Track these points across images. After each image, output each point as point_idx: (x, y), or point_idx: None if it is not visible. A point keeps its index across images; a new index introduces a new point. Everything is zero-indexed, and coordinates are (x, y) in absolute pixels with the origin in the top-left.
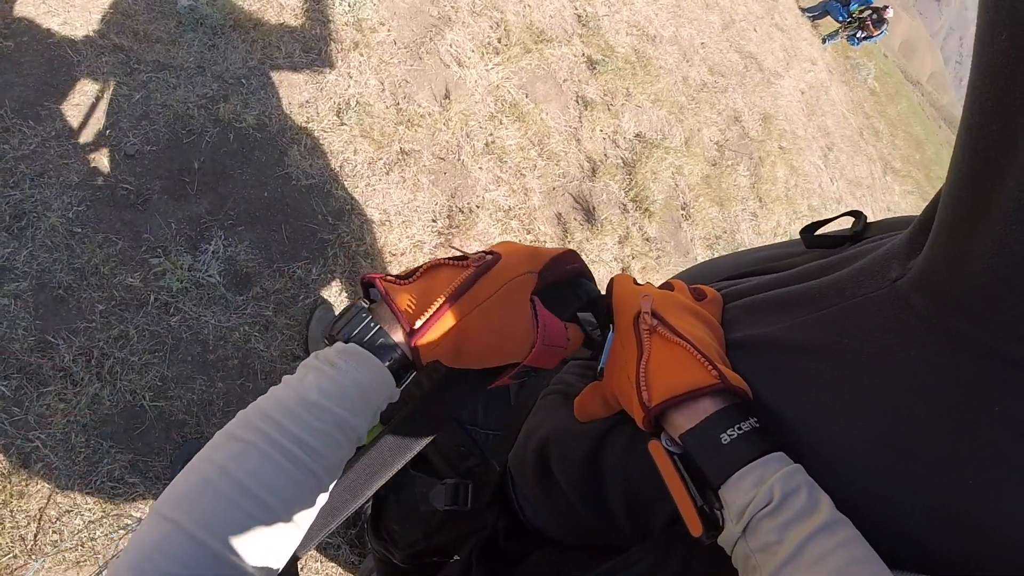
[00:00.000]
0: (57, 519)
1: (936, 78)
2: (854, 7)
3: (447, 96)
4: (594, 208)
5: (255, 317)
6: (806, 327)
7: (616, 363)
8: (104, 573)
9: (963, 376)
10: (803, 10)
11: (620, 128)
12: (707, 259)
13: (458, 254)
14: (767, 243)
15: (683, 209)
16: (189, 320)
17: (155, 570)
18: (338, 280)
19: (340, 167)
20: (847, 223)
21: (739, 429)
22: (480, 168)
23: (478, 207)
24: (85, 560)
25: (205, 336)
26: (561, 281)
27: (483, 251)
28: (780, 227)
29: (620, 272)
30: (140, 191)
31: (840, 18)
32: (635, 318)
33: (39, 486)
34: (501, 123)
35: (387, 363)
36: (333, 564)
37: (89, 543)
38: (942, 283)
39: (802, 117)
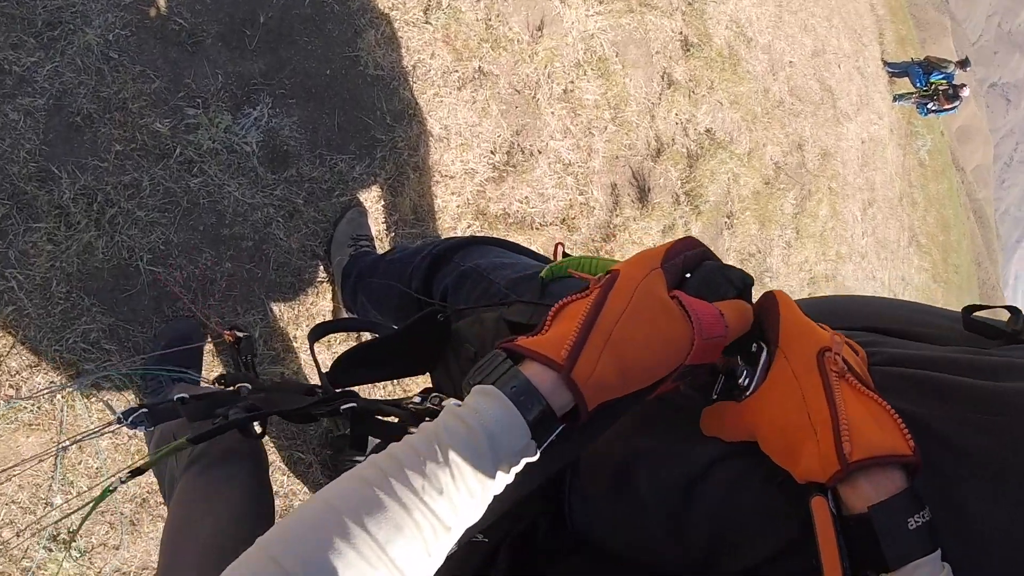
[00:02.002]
0: (17, 372)
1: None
2: (935, 77)
3: (540, 28)
4: (649, 189)
5: (283, 201)
6: (971, 426)
7: (781, 397)
8: (111, 491)
9: None
10: (885, 63)
11: (694, 118)
12: (836, 294)
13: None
14: (794, 274)
15: (728, 217)
16: (211, 186)
17: None
18: (380, 186)
19: (413, 67)
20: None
21: (923, 517)
22: (552, 113)
23: (539, 152)
24: (39, 424)
25: (224, 207)
26: (705, 270)
27: (601, 275)
28: (807, 263)
29: None
30: (194, 31)
31: (918, 84)
32: (820, 353)
33: (4, 332)
34: (585, 74)
35: (527, 414)
36: (299, 482)
37: (47, 406)
38: None
39: (856, 165)
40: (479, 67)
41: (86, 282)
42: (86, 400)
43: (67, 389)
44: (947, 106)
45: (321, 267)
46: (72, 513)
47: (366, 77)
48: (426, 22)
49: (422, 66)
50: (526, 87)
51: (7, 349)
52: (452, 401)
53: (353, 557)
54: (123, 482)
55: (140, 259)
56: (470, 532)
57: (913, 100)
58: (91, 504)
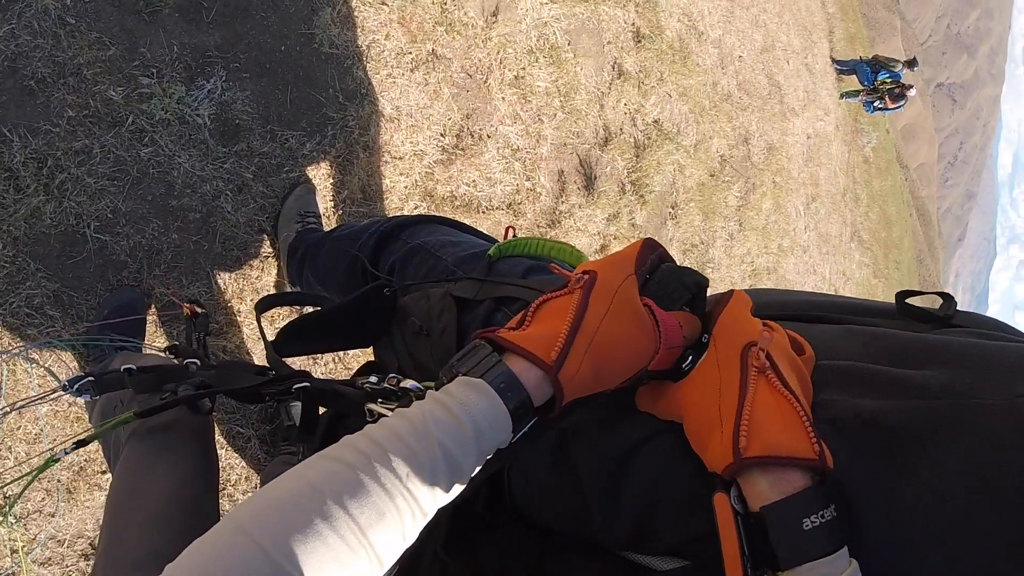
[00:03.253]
0: None
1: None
2: (883, 76)
3: (495, 14)
4: (596, 177)
5: (232, 174)
6: (909, 413)
7: (703, 385)
8: (56, 461)
9: None
10: (834, 61)
11: (643, 109)
12: (770, 288)
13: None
14: (736, 266)
15: (672, 208)
16: (161, 156)
17: None
18: (329, 164)
19: (368, 47)
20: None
21: (822, 517)
22: (503, 98)
23: (489, 136)
24: None
25: (173, 178)
26: (662, 276)
27: (576, 274)
28: (749, 255)
29: (601, 249)
30: (151, 0)
31: (865, 82)
32: (745, 348)
33: None
34: (537, 61)
35: (510, 406)
36: (237, 456)
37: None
38: None
39: (800, 160)
40: (433, 50)
41: (32, 247)
42: (27, 365)
43: (10, 354)
44: (893, 105)
45: (267, 242)
46: (11, 482)
47: (320, 55)
48: (383, 3)
49: (376, 46)
50: (478, 71)
51: None
52: (427, 388)
53: (333, 540)
54: (67, 453)
55: (88, 226)
56: None
57: (860, 98)
58: (34, 473)
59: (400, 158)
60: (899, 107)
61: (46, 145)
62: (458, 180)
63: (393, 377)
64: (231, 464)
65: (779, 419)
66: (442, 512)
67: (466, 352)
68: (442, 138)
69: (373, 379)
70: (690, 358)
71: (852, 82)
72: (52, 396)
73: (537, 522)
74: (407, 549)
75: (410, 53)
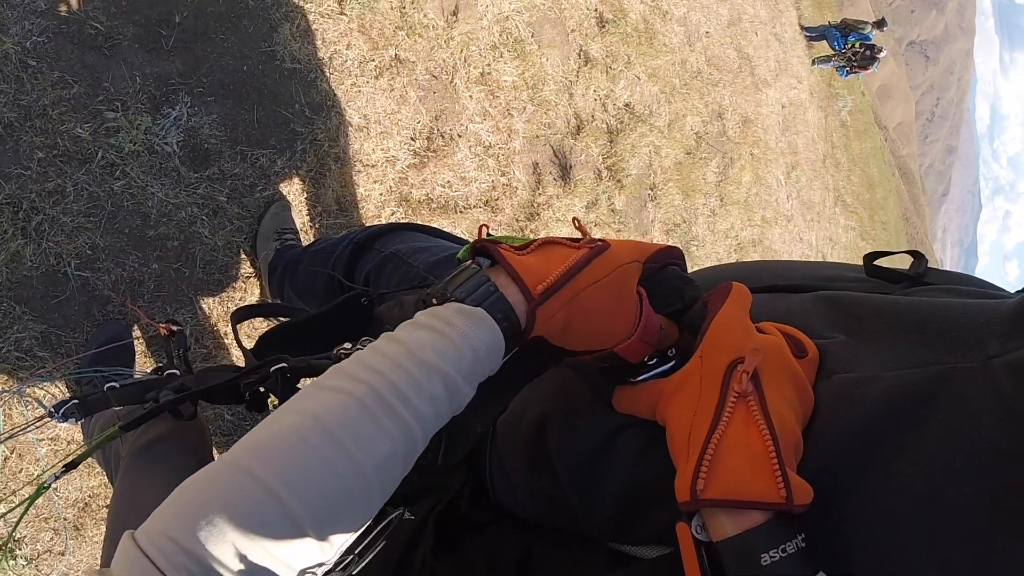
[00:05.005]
0: None
1: (903, 128)
2: (853, 39)
3: (455, 13)
4: (571, 167)
5: (206, 199)
6: (886, 384)
7: (682, 401)
8: (47, 488)
9: (1018, 458)
10: (803, 28)
11: (613, 94)
12: (745, 261)
13: (576, 236)
14: (720, 241)
15: (651, 189)
16: (134, 188)
17: (218, 531)
18: (302, 179)
19: (330, 59)
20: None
21: (783, 551)
22: (470, 96)
23: (459, 136)
24: None
25: (148, 209)
26: (665, 276)
27: (592, 238)
28: (733, 230)
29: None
30: (110, 34)
31: (836, 47)
32: (729, 367)
33: None
34: (501, 56)
35: (506, 336)
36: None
37: None
38: None
39: (777, 130)
40: (395, 55)
41: (16, 291)
42: (23, 409)
43: (3, 393)
44: (865, 69)
45: (248, 262)
46: (7, 512)
47: (283, 71)
48: (341, 13)
49: (338, 57)
50: (443, 72)
51: None
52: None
53: (342, 470)
54: (57, 477)
55: (68, 265)
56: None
57: (832, 63)
58: (26, 502)
59: (372, 166)
60: (872, 70)
61: (19, 189)
62: (432, 182)
63: (366, 339)
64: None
65: (747, 458)
66: (429, 516)
67: (462, 276)
68: (413, 142)
69: (347, 345)
70: (655, 361)
71: (823, 48)
72: (39, 424)
73: (524, 519)
74: (396, 555)
75: (373, 60)
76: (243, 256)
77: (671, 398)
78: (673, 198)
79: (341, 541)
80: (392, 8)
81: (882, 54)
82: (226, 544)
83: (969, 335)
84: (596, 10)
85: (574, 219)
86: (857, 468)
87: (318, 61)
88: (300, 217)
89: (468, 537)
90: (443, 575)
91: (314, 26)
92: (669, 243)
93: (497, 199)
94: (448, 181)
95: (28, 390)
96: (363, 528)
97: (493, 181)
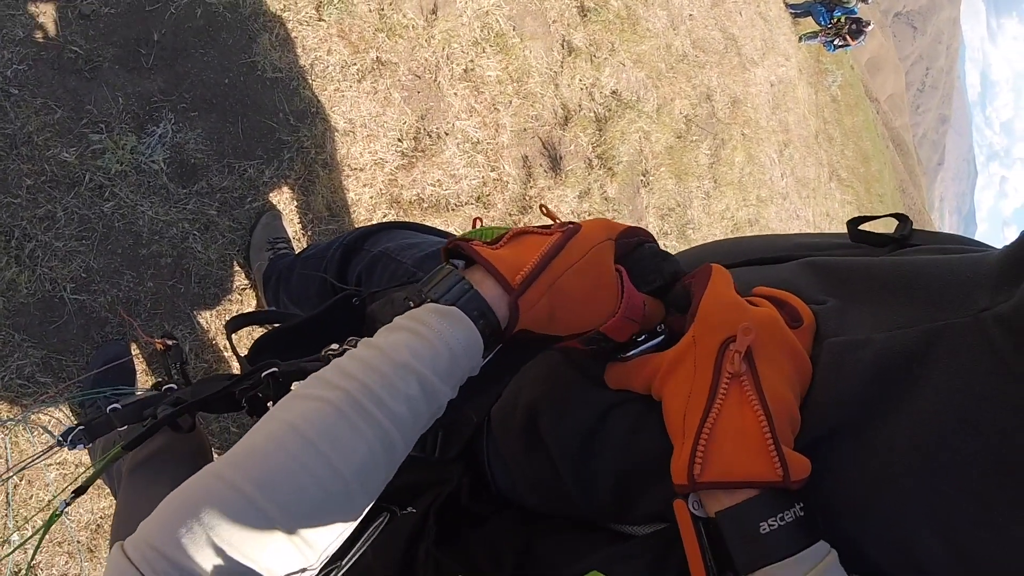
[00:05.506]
0: None
1: (894, 100)
2: (838, 13)
3: (434, 12)
4: (561, 157)
5: (196, 214)
6: (878, 346)
7: (677, 382)
8: (59, 516)
9: (1016, 415)
10: (788, 5)
11: (599, 82)
12: (730, 237)
13: (546, 222)
14: (716, 223)
15: (644, 175)
16: (124, 208)
17: (198, 531)
18: (291, 187)
19: (311, 65)
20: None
21: (781, 520)
22: (455, 94)
23: (447, 134)
24: None
25: (139, 228)
26: (642, 254)
27: (563, 222)
28: (728, 211)
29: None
30: (90, 57)
31: (822, 22)
32: (721, 347)
33: None
34: (484, 51)
35: (483, 333)
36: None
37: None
38: None
39: (767, 109)
40: (377, 57)
41: (14, 318)
42: (29, 435)
43: (7, 423)
44: (853, 41)
45: (243, 274)
46: (24, 542)
47: (265, 81)
48: (320, 19)
49: (320, 63)
50: (426, 71)
51: None
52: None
53: (321, 479)
54: (68, 503)
55: (64, 289)
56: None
57: (819, 38)
58: (41, 531)
59: (361, 169)
60: (859, 42)
61: (10, 217)
62: (422, 182)
63: (353, 339)
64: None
65: (742, 438)
66: (430, 510)
67: (436, 277)
68: (400, 143)
69: (334, 347)
70: (643, 338)
71: (809, 24)
72: (49, 453)
73: (525, 507)
74: (399, 552)
75: (355, 64)
76: (237, 268)
77: (666, 377)
78: (666, 183)
79: (324, 545)
80: (370, 11)
81: (869, 27)
82: (207, 551)
83: (957, 290)
84: None
85: (541, 206)
86: (853, 435)
87: (299, 69)
88: (292, 225)
89: (470, 529)
90: (447, 567)
91: (293, 34)
92: (665, 228)
93: (488, 195)
94: (438, 180)
95: (33, 416)
96: (348, 533)
97: (483, 177)
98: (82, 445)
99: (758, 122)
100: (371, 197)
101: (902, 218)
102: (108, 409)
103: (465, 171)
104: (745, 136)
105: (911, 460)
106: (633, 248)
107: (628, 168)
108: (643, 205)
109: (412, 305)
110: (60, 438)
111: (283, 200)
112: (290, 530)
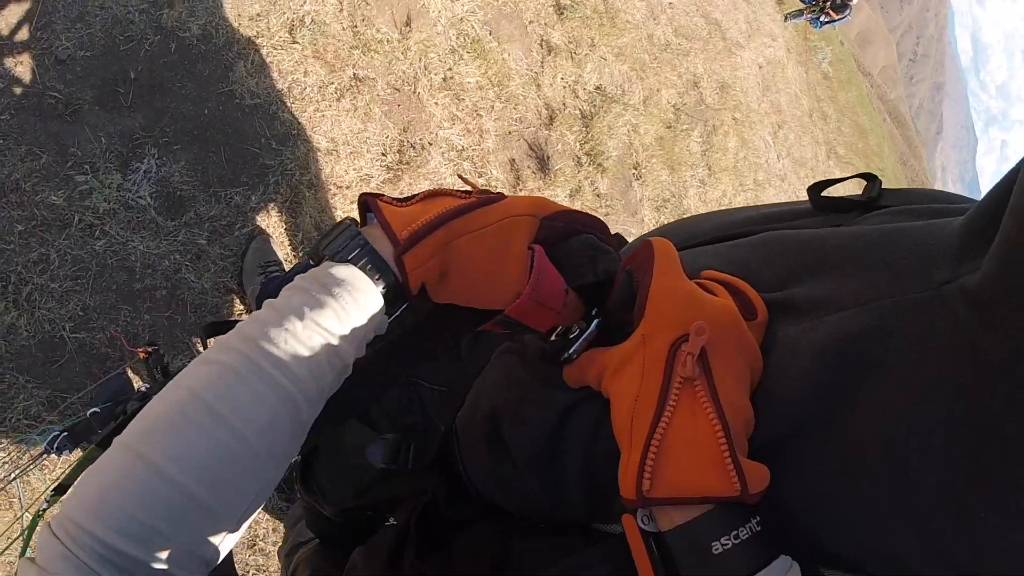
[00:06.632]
0: None
1: (887, 72)
2: None
3: (408, 24)
4: (548, 157)
5: (187, 245)
6: (833, 330)
7: (624, 383)
8: (41, 516)
9: (985, 401)
10: None
11: (581, 79)
12: (685, 217)
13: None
14: (714, 211)
15: (635, 168)
16: (115, 245)
17: (115, 511)
18: (278, 210)
19: (289, 88)
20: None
21: (735, 538)
22: (436, 104)
23: (431, 144)
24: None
25: (132, 263)
26: (574, 245)
27: (485, 191)
28: (726, 197)
29: None
30: (69, 101)
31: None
32: (674, 345)
33: None
34: (461, 59)
35: (379, 288)
36: (260, 510)
37: (2, 488)
38: (998, 302)
39: (757, 91)
40: (354, 74)
41: (16, 361)
42: (40, 473)
43: (18, 474)
44: (839, 16)
45: (237, 300)
46: (9, 544)
47: (244, 108)
48: (293, 42)
49: (297, 85)
50: (405, 84)
51: None
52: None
53: (228, 445)
54: (49, 501)
55: (63, 329)
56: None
57: (805, 16)
58: (26, 532)
59: (347, 187)
60: (845, 16)
61: (5, 263)
62: (409, 194)
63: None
64: (256, 519)
65: (695, 450)
66: (411, 521)
67: (334, 232)
68: (384, 157)
69: None
70: (576, 333)
71: (793, 2)
72: (40, 460)
73: (503, 511)
74: (382, 564)
75: (332, 83)
76: (232, 296)
77: (613, 376)
78: (659, 174)
79: (240, 510)
80: (344, 29)
81: (854, 1)
82: (124, 522)
83: (917, 262)
84: None
85: (459, 174)
86: (814, 429)
87: (278, 93)
88: (282, 248)
89: (450, 537)
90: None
91: (268, 59)
92: (661, 219)
93: None
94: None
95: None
96: (265, 497)
97: (471, 183)
98: (67, 450)
99: (749, 105)
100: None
101: (870, 178)
102: (89, 413)
103: (452, 179)
104: (736, 120)
105: (877, 460)
106: (563, 235)
107: (618, 163)
108: (637, 198)
109: (313, 264)
110: (47, 446)
111: (272, 224)
112: (202, 496)
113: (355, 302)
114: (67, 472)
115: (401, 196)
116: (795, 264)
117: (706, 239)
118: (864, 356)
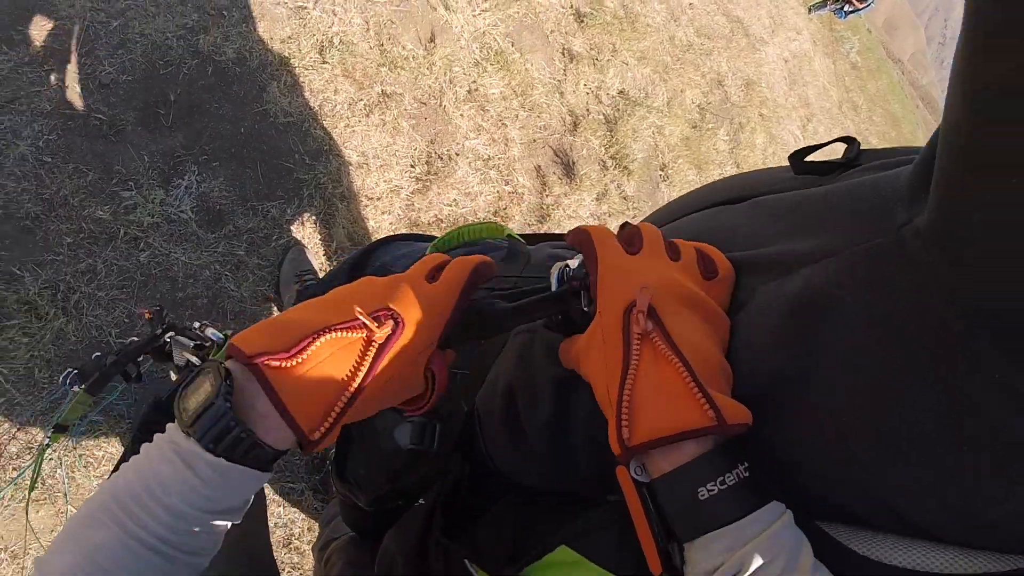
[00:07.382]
0: (17, 456)
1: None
2: None
3: (432, 40)
4: (574, 163)
5: (226, 256)
6: (803, 284)
7: (594, 360)
8: (46, 448)
9: (953, 343)
10: None
11: (604, 84)
12: (694, 189)
13: (348, 319)
14: (703, 185)
15: (662, 170)
16: (159, 256)
17: None
18: (313, 222)
19: (320, 106)
20: (830, 150)
21: (722, 483)
22: (461, 115)
23: (457, 155)
24: (44, 499)
25: (175, 273)
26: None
27: (378, 310)
28: None
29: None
30: (113, 122)
31: None
32: (625, 312)
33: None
34: (485, 71)
35: (252, 466)
36: (296, 510)
37: (50, 481)
38: (949, 236)
39: (784, 86)
40: (382, 90)
41: (65, 364)
42: (85, 469)
43: (64, 464)
44: (862, 5)
45: (275, 308)
46: (23, 473)
47: (278, 126)
48: (323, 62)
49: (328, 103)
50: (431, 97)
51: (6, 437)
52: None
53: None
54: (50, 438)
55: (109, 334)
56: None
57: (828, 7)
58: (37, 463)
59: (378, 198)
60: (870, 4)
61: (54, 273)
62: (439, 203)
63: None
64: (291, 519)
65: (665, 392)
66: (437, 503)
67: (202, 402)
68: (413, 169)
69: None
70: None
71: None
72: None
73: (525, 489)
74: (412, 543)
75: (361, 100)
76: (269, 304)
77: (584, 359)
78: (686, 174)
79: None
80: (371, 48)
81: None
82: None
83: (879, 210)
84: (572, 6)
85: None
86: (792, 382)
87: (310, 111)
88: (317, 258)
89: (476, 514)
90: (455, 554)
91: (300, 79)
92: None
93: (505, 208)
94: (454, 199)
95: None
96: None
97: (498, 191)
98: (77, 385)
99: (775, 100)
100: (390, 223)
101: (849, 140)
102: (94, 356)
103: (480, 188)
104: (763, 116)
105: (854, 403)
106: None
107: (644, 165)
108: (665, 199)
109: (184, 420)
110: (61, 379)
111: (307, 234)
112: None
113: (227, 490)
114: (64, 412)
115: (281, 347)
116: (776, 224)
117: (693, 209)
118: (836, 305)
